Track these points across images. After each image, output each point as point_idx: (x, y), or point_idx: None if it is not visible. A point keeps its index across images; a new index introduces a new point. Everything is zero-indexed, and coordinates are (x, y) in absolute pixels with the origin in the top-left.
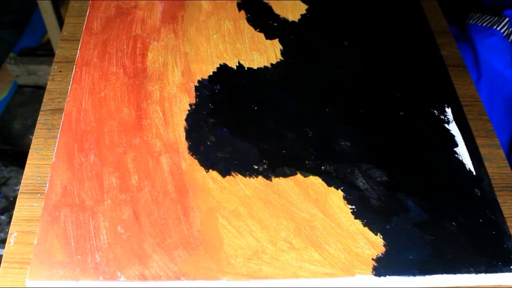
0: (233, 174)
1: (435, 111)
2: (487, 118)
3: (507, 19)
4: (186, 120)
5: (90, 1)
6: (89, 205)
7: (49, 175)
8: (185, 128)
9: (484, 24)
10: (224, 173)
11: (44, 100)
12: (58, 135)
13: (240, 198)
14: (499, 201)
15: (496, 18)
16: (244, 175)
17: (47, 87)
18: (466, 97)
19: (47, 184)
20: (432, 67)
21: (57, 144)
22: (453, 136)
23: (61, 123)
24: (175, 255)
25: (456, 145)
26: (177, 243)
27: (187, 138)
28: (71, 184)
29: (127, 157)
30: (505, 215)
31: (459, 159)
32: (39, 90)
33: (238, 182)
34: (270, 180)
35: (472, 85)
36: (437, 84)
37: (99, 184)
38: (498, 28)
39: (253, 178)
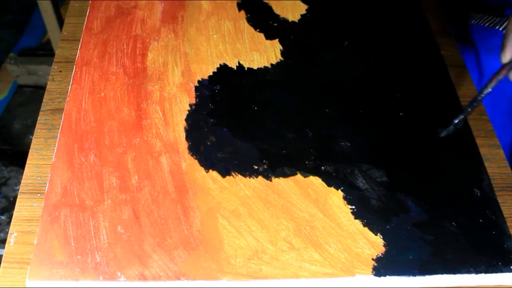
0: (233, 174)
1: (435, 111)
2: (487, 118)
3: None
4: (186, 120)
5: (90, 1)
6: (89, 205)
7: (49, 175)
8: (185, 128)
9: (486, 25)
10: (224, 173)
11: (44, 100)
12: (58, 135)
13: (240, 198)
14: (499, 201)
15: (498, 18)
16: (244, 175)
17: (47, 87)
18: (466, 97)
19: (47, 184)
20: (432, 67)
21: (57, 144)
22: (453, 136)
23: (61, 123)
24: (175, 255)
25: (456, 145)
26: (177, 243)
27: (187, 138)
28: (71, 184)
29: (127, 157)
30: (505, 215)
31: (459, 159)
32: (39, 90)
33: (238, 182)
34: (270, 180)
35: (472, 85)
36: (437, 84)
37: (99, 184)
38: (500, 29)
39: (253, 178)
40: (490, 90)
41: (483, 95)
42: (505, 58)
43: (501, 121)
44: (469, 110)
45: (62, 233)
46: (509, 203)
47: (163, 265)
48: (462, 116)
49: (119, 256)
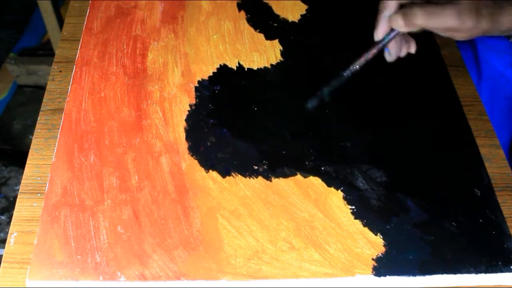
0: (233, 174)
1: (435, 111)
2: (487, 118)
3: None
4: (186, 120)
5: (90, 1)
6: (89, 205)
7: (49, 175)
8: (185, 128)
9: None
10: (224, 173)
11: (44, 100)
12: (58, 135)
13: (240, 198)
14: (499, 201)
15: None
16: (244, 176)
17: (47, 87)
18: (466, 97)
19: (47, 184)
20: (432, 67)
21: (57, 144)
22: (453, 136)
23: (61, 123)
24: (175, 255)
25: (456, 145)
26: (177, 243)
27: (187, 138)
28: (71, 184)
29: (127, 157)
30: (505, 215)
31: (459, 159)
32: (39, 90)
33: (238, 183)
34: (270, 181)
35: (472, 85)
36: (437, 84)
37: (99, 184)
38: None
39: (253, 178)
40: (357, 68)
41: (349, 72)
42: (377, 36)
43: (499, 121)
44: (333, 84)
45: (62, 233)
46: (509, 203)
47: (163, 265)
48: (326, 89)
49: (119, 256)
